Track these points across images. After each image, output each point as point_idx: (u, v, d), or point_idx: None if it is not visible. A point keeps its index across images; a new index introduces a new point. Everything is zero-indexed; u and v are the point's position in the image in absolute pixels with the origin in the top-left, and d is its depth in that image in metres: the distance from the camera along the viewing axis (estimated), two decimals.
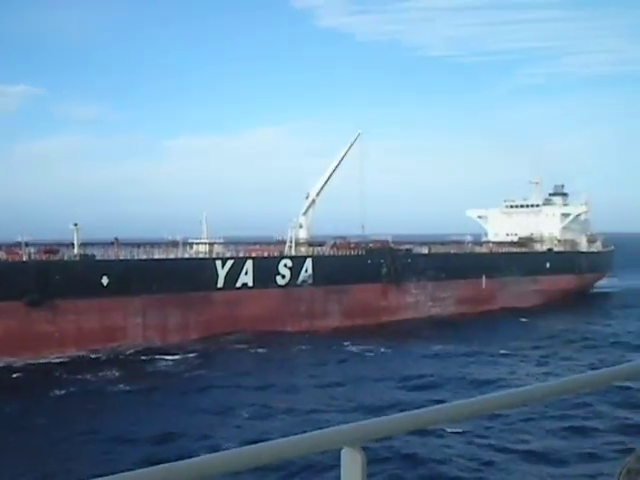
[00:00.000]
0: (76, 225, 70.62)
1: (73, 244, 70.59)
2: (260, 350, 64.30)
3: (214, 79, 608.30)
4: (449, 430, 35.89)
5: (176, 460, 2.82)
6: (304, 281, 78.57)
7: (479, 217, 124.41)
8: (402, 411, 3.56)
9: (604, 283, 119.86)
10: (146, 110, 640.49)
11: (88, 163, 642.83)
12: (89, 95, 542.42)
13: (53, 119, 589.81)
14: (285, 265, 77.65)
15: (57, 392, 48.72)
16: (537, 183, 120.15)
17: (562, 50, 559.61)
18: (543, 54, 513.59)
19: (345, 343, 67.42)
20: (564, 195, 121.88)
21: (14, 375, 54.80)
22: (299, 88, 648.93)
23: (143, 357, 61.36)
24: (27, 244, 67.47)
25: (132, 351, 63.23)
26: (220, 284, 72.45)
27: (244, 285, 73.96)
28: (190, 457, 2.84)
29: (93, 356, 61.43)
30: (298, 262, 78.79)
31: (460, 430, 36.35)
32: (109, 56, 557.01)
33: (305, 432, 3.17)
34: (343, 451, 3.17)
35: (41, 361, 58.40)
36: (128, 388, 49.90)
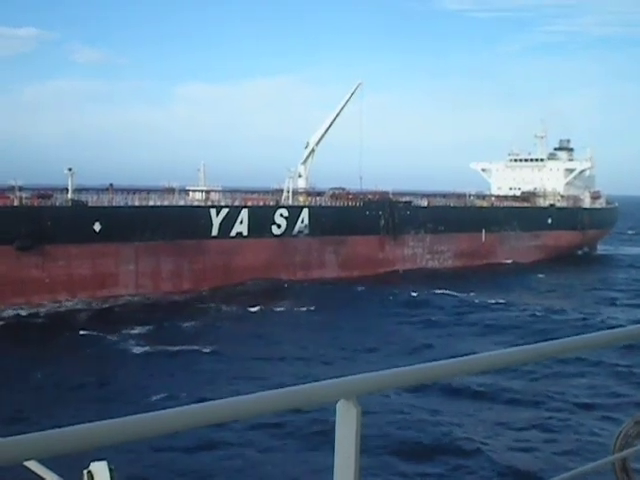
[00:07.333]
0: (70, 170, 69.61)
1: (67, 189, 69.98)
2: None
3: (218, 27, 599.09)
4: (444, 386, 35.41)
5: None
6: (300, 231, 77.87)
7: (483, 170, 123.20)
8: (400, 366, 3.56)
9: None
10: (154, 56, 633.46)
11: (94, 107, 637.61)
12: (97, 38, 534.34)
13: (59, 62, 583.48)
14: (281, 215, 76.84)
15: None
16: (542, 137, 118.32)
17: (579, 9, 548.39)
18: (560, 12, 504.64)
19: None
20: (569, 150, 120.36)
21: None
22: (303, 37, 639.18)
23: None
24: (21, 188, 66.71)
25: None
26: (214, 232, 71.78)
27: (239, 234, 73.31)
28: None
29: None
30: (294, 212, 77.97)
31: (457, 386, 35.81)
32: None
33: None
34: (339, 404, 3.19)
35: None
36: None
